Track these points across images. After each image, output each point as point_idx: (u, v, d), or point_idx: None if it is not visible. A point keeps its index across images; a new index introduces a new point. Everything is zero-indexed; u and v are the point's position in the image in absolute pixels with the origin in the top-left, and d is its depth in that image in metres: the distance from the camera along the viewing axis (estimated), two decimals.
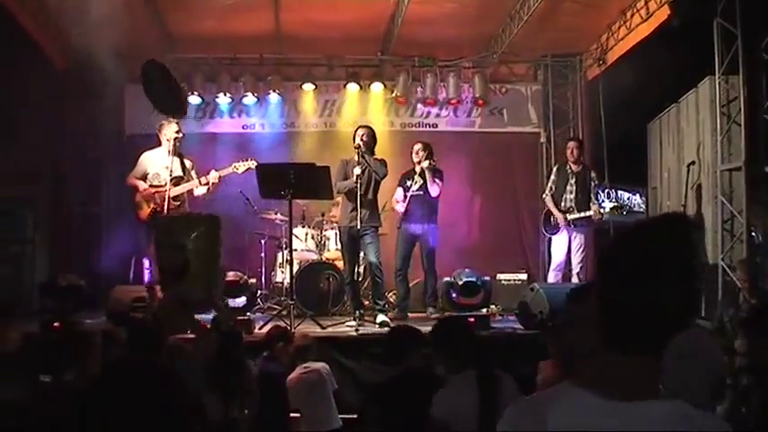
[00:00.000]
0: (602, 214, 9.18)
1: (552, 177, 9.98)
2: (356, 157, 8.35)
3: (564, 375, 4.29)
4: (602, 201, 9.38)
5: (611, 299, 1.55)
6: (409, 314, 9.05)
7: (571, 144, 9.93)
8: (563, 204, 9.66)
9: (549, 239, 10.03)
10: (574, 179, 9.66)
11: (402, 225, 9.31)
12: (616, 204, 9.38)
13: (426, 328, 8.20)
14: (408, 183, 9.32)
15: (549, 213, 9.83)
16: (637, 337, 1.53)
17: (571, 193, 9.64)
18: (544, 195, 10.02)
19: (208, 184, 8.36)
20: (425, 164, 9.12)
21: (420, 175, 9.18)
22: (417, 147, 9.36)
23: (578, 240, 9.54)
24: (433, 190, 9.13)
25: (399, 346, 4.89)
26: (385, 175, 8.66)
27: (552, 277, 9.65)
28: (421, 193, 9.20)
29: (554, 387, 1.59)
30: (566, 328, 5.47)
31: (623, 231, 1.65)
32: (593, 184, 9.61)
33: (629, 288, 1.52)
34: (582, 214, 9.44)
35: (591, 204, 9.42)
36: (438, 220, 9.37)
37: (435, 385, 4.37)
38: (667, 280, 1.50)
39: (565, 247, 9.59)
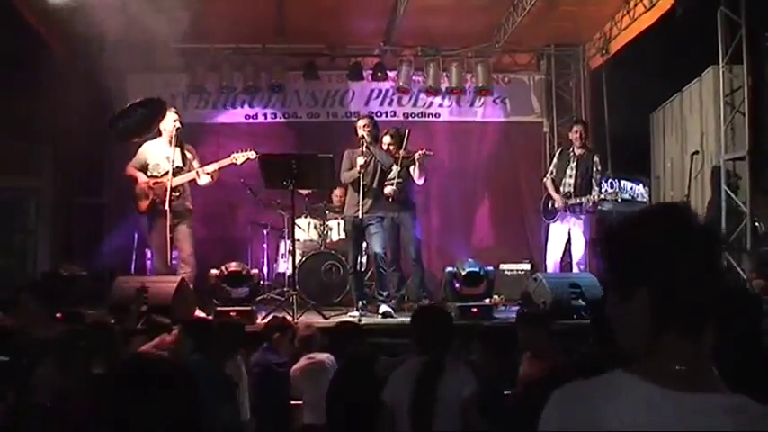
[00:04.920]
0: (596, 201, 9.01)
1: (554, 161, 9.66)
2: (361, 148, 8.33)
3: (549, 367, 4.33)
4: (605, 189, 9.23)
5: (667, 286, 1.55)
6: (405, 305, 9.03)
7: (577, 128, 9.49)
8: (562, 189, 9.30)
9: (548, 228, 9.73)
10: (575, 163, 9.28)
11: (385, 215, 9.10)
12: (612, 191, 9.28)
13: None
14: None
15: (549, 198, 9.51)
16: (691, 322, 1.55)
17: (571, 177, 9.26)
18: (545, 179, 9.70)
19: (209, 175, 8.34)
20: (418, 153, 8.95)
21: (400, 163, 9.02)
22: (387, 139, 9.15)
23: (578, 229, 9.20)
24: (421, 179, 9.02)
25: (341, 338, 5.43)
26: (391, 166, 8.62)
27: (550, 267, 9.40)
28: (400, 180, 9.06)
29: (605, 376, 1.56)
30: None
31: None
32: (595, 169, 9.20)
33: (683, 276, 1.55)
34: (578, 200, 9.12)
35: (592, 191, 9.09)
36: (416, 208, 9.26)
37: (372, 374, 4.59)
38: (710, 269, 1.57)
39: (564, 236, 9.30)
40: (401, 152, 8.94)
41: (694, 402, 1.47)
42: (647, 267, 1.55)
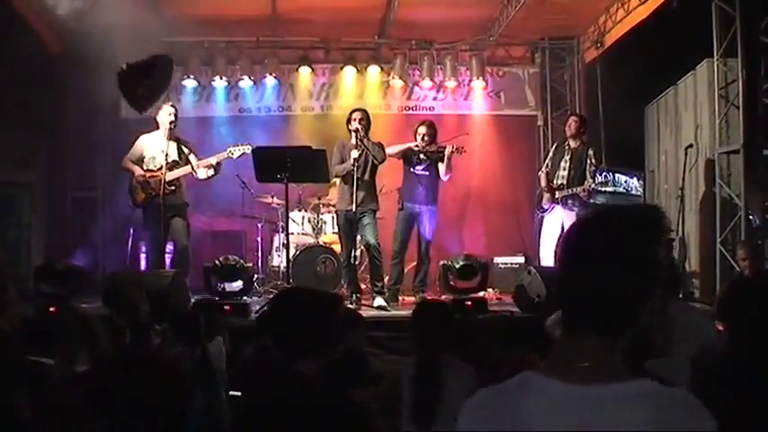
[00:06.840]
0: (589, 191, 9.00)
1: (549, 154, 9.75)
2: (353, 140, 8.33)
3: None
4: (598, 181, 9.22)
5: (567, 281, 1.63)
6: (400, 298, 9.05)
7: (570, 119, 9.64)
8: (556, 182, 9.37)
9: (542, 221, 9.76)
10: (569, 156, 9.34)
11: (404, 205, 9.15)
12: (603, 181, 9.29)
13: None
14: (414, 160, 9.10)
15: (543, 191, 9.61)
16: (590, 321, 1.60)
17: (564, 170, 9.32)
18: (540, 172, 9.77)
19: (209, 167, 8.33)
20: (449, 148, 8.97)
21: (426, 155, 9.05)
22: (422, 130, 9.19)
23: (570, 222, 9.03)
24: (447, 175, 9.04)
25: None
26: (383, 159, 8.61)
27: (544, 260, 9.39)
28: (426, 173, 9.08)
29: (517, 377, 1.61)
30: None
31: (588, 215, 1.73)
32: (589, 162, 9.21)
33: (582, 271, 1.61)
34: (570, 191, 9.19)
35: (585, 182, 9.12)
36: (438, 203, 9.30)
37: (363, 366, 4.58)
38: (616, 267, 1.58)
39: (557, 229, 9.29)
40: (433, 146, 8.98)
41: (596, 393, 1.52)
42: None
